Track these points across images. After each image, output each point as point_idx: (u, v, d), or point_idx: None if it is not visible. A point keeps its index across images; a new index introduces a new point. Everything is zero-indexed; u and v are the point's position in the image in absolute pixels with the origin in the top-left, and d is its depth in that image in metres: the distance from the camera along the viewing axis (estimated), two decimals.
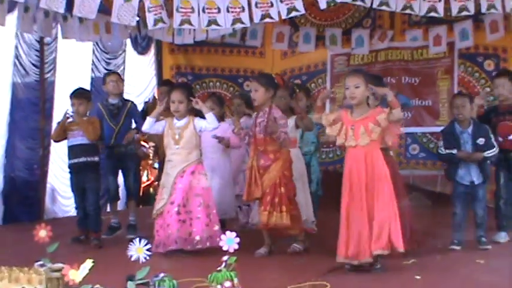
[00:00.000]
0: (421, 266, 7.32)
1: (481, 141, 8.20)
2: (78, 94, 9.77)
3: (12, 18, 10.33)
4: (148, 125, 8.85)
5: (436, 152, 8.99)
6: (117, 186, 10.67)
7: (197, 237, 8.39)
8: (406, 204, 8.18)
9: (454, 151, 8.24)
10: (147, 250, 6.24)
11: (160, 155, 10.88)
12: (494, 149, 8.17)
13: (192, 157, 8.66)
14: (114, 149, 10.32)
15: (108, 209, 11.22)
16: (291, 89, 9.31)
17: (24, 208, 11.55)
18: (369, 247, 7.04)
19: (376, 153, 7.22)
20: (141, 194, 12.01)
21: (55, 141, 10.11)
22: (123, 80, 10.96)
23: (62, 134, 9.68)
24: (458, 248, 8.20)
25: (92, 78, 12.95)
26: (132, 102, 10.79)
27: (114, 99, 10.44)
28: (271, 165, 8.32)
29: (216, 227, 8.56)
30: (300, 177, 8.94)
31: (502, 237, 8.65)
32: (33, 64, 12.08)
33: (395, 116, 7.10)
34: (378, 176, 7.17)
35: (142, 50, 13.53)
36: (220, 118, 9.77)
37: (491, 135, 8.25)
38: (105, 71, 12.76)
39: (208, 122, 8.55)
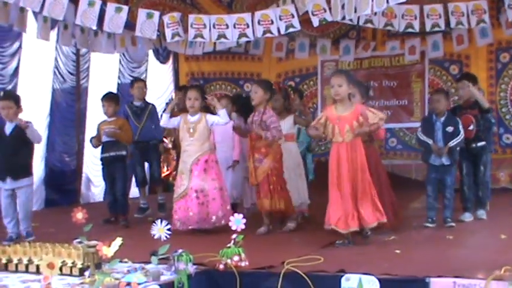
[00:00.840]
0: (400, 242, 7.37)
1: (449, 129, 8.28)
2: (108, 97, 9.89)
3: (53, 34, 10.38)
4: (165, 120, 8.94)
5: (415, 136, 9.06)
6: (144, 174, 10.83)
7: (213, 217, 8.48)
8: (388, 189, 8.29)
9: (430, 141, 8.30)
10: (168, 230, 6.30)
11: (178, 148, 10.90)
12: (460, 135, 8.23)
13: (205, 147, 8.71)
14: (139, 143, 10.42)
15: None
16: (285, 92, 9.30)
17: (63, 194, 11.58)
18: (352, 220, 7.19)
19: (359, 147, 7.30)
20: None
21: (96, 147, 10.11)
22: (147, 86, 11.01)
23: (99, 142, 9.78)
24: (431, 225, 8.24)
25: (119, 84, 13.00)
26: (153, 104, 10.90)
27: (138, 102, 10.63)
28: (263, 159, 8.40)
29: (229, 207, 8.71)
30: (297, 167, 9.02)
31: (467, 217, 8.70)
32: (70, 72, 12.28)
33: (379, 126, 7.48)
34: (360, 166, 7.27)
35: (163, 59, 13.52)
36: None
37: (460, 126, 8.30)
38: (130, 78, 12.82)
39: (221, 117, 8.60)
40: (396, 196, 8.43)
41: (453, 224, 8.21)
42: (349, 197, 7.24)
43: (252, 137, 8.52)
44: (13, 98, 8.69)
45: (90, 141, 10.12)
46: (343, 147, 7.28)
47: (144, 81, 11.18)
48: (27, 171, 8.61)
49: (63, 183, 11.89)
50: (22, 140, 8.50)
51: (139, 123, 10.45)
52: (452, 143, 8.19)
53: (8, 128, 8.54)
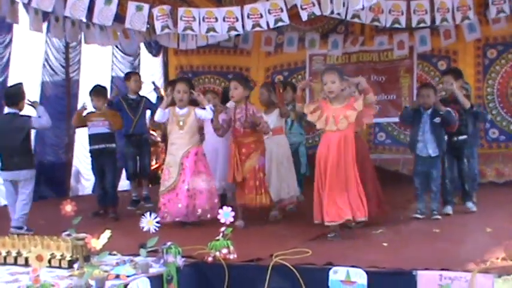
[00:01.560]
0: (388, 235, 7.41)
1: (437, 119, 8.37)
2: (97, 91, 9.85)
3: (43, 27, 10.36)
4: (160, 115, 8.80)
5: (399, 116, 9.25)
6: (136, 168, 10.75)
7: (199, 210, 8.47)
8: (374, 182, 8.31)
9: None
10: (157, 223, 6.30)
11: (167, 141, 10.91)
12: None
13: (194, 140, 8.74)
14: (132, 136, 10.45)
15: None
16: (271, 86, 9.32)
17: (52, 187, 11.56)
18: (343, 212, 7.20)
19: (350, 136, 7.32)
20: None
21: (76, 127, 10.19)
22: (141, 80, 11.01)
23: (81, 121, 9.78)
24: (421, 216, 8.31)
25: (112, 77, 12.98)
26: (146, 97, 10.91)
27: (133, 95, 10.64)
28: (252, 153, 8.41)
29: (216, 200, 8.67)
30: (286, 160, 9.04)
31: (449, 210, 8.71)
32: (60, 65, 12.19)
33: (369, 100, 7.35)
34: (351, 157, 7.28)
35: (156, 52, 13.53)
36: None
37: (452, 113, 8.42)
38: (124, 71, 12.87)
39: (208, 113, 8.57)
40: (384, 189, 8.46)
41: (439, 217, 8.26)
42: (334, 189, 7.23)
43: (238, 133, 8.49)
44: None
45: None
46: (336, 136, 7.29)
47: (139, 74, 11.21)
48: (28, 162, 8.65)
49: (53, 176, 11.86)
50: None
51: (135, 116, 10.44)
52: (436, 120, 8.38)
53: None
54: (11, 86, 9.17)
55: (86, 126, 9.78)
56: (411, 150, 8.70)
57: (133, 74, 11.18)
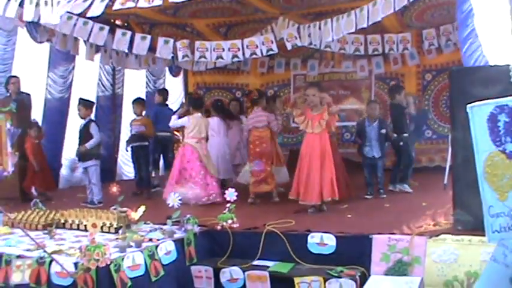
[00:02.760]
0: (351, 209, 7.44)
1: (383, 131, 8.43)
2: (137, 101, 9.98)
3: (97, 56, 10.54)
4: (173, 122, 8.87)
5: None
6: (159, 160, 10.83)
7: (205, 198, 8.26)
8: (342, 170, 8.38)
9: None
10: (179, 200, 6.39)
11: None
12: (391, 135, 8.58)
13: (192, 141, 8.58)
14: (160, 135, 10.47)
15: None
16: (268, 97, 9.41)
17: (104, 173, 11.64)
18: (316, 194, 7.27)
19: (324, 137, 7.40)
20: None
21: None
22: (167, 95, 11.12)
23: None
24: (370, 197, 8.35)
25: (146, 92, 13.02)
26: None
27: (163, 105, 10.74)
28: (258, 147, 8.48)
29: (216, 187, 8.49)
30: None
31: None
32: (109, 83, 12.30)
33: (332, 110, 7.43)
34: (327, 152, 7.37)
35: (174, 73, 13.56)
36: None
37: (387, 126, 8.62)
38: (154, 88, 13.00)
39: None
40: (349, 175, 8.55)
41: (384, 196, 8.32)
42: (315, 176, 7.30)
43: (254, 132, 8.56)
44: (82, 103, 9.03)
45: (127, 142, 10.23)
46: (316, 137, 7.37)
47: (165, 91, 11.28)
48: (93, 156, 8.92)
49: (103, 165, 11.96)
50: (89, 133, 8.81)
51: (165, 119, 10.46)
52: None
53: (82, 124, 8.93)
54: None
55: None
56: (359, 152, 8.77)
57: (160, 90, 11.39)
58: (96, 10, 7.41)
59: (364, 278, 5.40)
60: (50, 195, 9.34)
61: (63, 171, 11.58)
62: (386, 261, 5.49)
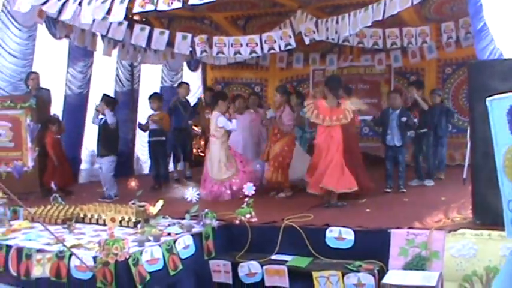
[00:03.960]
0: (370, 203, 7.43)
1: (404, 119, 8.32)
2: (154, 96, 9.99)
3: (114, 52, 10.55)
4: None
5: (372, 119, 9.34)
6: (181, 154, 10.83)
7: (234, 187, 8.38)
8: (361, 164, 8.33)
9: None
10: (197, 195, 6.41)
11: (206, 133, 10.97)
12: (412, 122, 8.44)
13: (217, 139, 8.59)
14: (182, 129, 10.55)
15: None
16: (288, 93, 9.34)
17: (122, 168, 11.70)
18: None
19: (334, 129, 7.37)
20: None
21: (144, 131, 10.33)
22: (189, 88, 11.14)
23: (147, 129, 9.94)
24: (390, 190, 8.32)
25: (161, 87, 13.04)
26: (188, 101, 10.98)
27: (183, 99, 10.75)
28: (277, 142, 8.47)
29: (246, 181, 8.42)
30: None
31: (414, 182, 8.88)
32: (126, 79, 12.31)
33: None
34: (337, 145, 7.35)
35: (193, 68, 13.57)
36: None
37: (412, 116, 8.47)
38: (171, 83, 13.04)
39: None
40: (368, 169, 8.48)
41: (404, 190, 8.26)
42: (321, 167, 7.33)
43: (274, 128, 8.62)
44: (105, 99, 9.12)
45: (139, 126, 10.34)
46: (328, 129, 7.37)
47: (188, 84, 11.26)
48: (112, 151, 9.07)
49: (121, 160, 12.01)
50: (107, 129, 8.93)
51: (186, 114, 10.57)
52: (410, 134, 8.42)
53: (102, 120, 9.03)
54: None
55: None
56: (382, 141, 8.70)
57: (184, 83, 11.26)
58: (118, 15, 7.39)
59: (382, 273, 5.38)
60: (69, 190, 9.40)
61: (83, 166, 11.66)
62: (404, 256, 5.48)
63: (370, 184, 8.19)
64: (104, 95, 9.27)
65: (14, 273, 5.75)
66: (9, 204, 7.10)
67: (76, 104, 11.05)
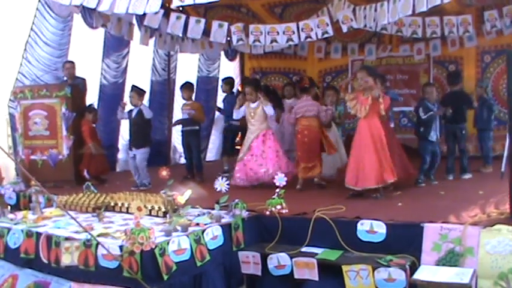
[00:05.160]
0: (403, 196, 7.26)
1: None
2: (185, 86, 9.97)
3: (151, 41, 10.45)
4: (236, 114, 9.01)
5: (417, 119, 8.83)
6: (230, 146, 10.82)
7: (270, 170, 8.33)
8: (402, 155, 8.16)
9: (433, 111, 8.20)
10: (227, 185, 6.32)
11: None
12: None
13: (262, 126, 8.67)
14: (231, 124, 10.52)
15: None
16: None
17: (158, 158, 11.73)
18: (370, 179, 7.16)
19: (374, 123, 7.28)
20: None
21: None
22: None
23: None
24: (423, 185, 8.09)
25: (198, 77, 13.02)
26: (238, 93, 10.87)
27: (228, 93, 10.86)
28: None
29: (285, 161, 8.61)
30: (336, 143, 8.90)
31: (450, 177, 8.68)
32: (162, 69, 12.34)
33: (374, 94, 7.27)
34: (378, 137, 7.22)
35: (231, 57, 13.52)
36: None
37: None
38: (207, 72, 13.03)
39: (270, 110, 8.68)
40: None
41: (436, 182, 8.12)
42: (364, 162, 7.20)
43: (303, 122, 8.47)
44: (136, 90, 9.10)
45: (176, 121, 10.28)
46: (365, 123, 7.28)
47: (232, 78, 11.30)
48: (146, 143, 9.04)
49: (157, 150, 12.04)
50: (142, 120, 8.89)
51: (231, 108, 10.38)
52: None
53: (134, 112, 8.98)
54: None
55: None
56: (423, 137, 8.40)
57: (228, 78, 11.38)
58: (153, 8, 7.38)
59: (414, 268, 5.20)
60: (104, 178, 9.44)
61: (120, 155, 11.71)
62: (437, 251, 5.28)
63: (413, 171, 8.09)
64: (134, 86, 9.24)
65: (45, 261, 5.76)
66: (43, 192, 7.12)
67: (112, 94, 11.12)
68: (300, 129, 8.47)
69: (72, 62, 9.64)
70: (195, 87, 10.71)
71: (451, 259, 5.17)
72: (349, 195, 7.25)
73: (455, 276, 4.77)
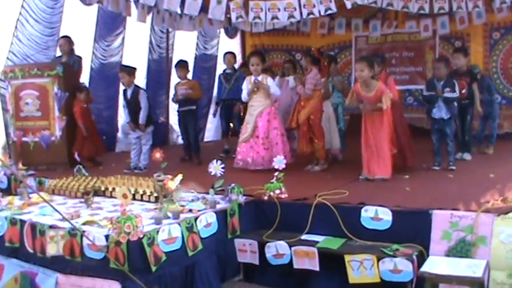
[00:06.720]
0: (411, 180, 6.84)
1: (447, 90, 7.62)
2: (180, 65, 9.57)
3: (148, 18, 10.09)
4: (244, 96, 8.47)
5: (421, 95, 8.48)
6: (228, 126, 10.42)
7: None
8: (408, 137, 7.81)
9: (433, 92, 7.72)
10: (222, 168, 5.96)
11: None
12: (455, 94, 7.62)
13: (267, 103, 8.22)
14: (225, 101, 10.08)
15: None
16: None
17: (157, 139, 11.39)
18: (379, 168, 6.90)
19: (378, 117, 6.95)
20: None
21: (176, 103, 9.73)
22: (235, 58, 10.61)
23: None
24: (437, 168, 7.64)
25: (195, 55, 12.67)
26: (240, 71, 10.42)
27: (228, 70, 10.26)
28: (303, 109, 8.00)
29: (288, 148, 8.23)
30: (327, 119, 8.52)
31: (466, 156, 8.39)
32: (159, 46, 11.96)
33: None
34: (379, 131, 6.94)
35: (231, 35, 13.17)
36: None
37: (456, 87, 7.68)
38: (204, 49, 12.64)
39: (276, 91, 8.33)
40: (412, 141, 7.89)
41: (454, 168, 7.56)
42: (371, 154, 6.92)
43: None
44: (125, 69, 8.71)
45: (172, 99, 9.86)
46: (368, 117, 7.00)
47: (232, 53, 10.68)
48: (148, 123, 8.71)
49: (155, 130, 11.75)
50: (138, 102, 8.53)
51: (228, 86, 10.00)
52: (447, 94, 7.60)
53: (129, 93, 8.61)
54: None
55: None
56: (427, 114, 8.04)
57: (227, 53, 10.68)
58: None
59: (422, 258, 4.84)
60: (99, 161, 9.08)
61: (120, 134, 11.40)
62: (447, 240, 4.89)
63: (412, 161, 7.70)
64: (122, 65, 8.94)
65: (30, 250, 5.40)
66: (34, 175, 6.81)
67: (108, 73, 10.77)
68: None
69: (66, 37, 9.20)
70: (192, 65, 10.33)
71: (462, 249, 4.79)
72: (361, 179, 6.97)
73: (467, 268, 4.38)
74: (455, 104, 7.75)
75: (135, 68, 8.80)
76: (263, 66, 8.57)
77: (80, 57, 9.39)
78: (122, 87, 9.14)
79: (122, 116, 10.97)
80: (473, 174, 7.22)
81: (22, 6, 9.18)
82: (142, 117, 8.48)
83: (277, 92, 8.36)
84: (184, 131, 9.49)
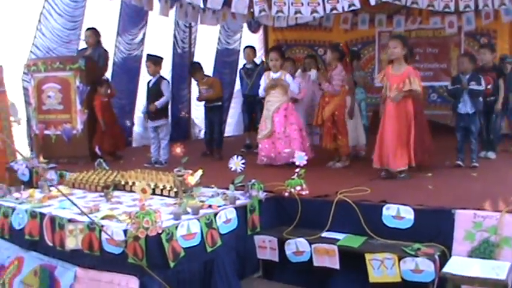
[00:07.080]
0: (434, 178, 6.70)
1: (472, 84, 7.49)
2: (195, 68, 9.46)
3: (171, 12, 10.09)
4: (261, 92, 8.41)
5: (446, 91, 8.31)
6: (250, 121, 10.33)
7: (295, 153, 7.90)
8: (428, 133, 7.63)
9: (458, 86, 7.60)
10: (242, 164, 5.90)
11: None
12: (480, 87, 7.50)
13: (284, 99, 8.13)
14: (248, 97, 10.05)
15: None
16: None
17: (178, 133, 11.39)
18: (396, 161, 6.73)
19: (403, 104, 6.77)
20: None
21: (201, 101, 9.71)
22: (255, 52, 10.56)
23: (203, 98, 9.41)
24: (461, 163, 7.52)
25: (217, 50, 12.66)
26: (262, 65, 10.34)
27: (249, 64, 10.27)
28: (327, 105, 7.90)
29: (308, 144, 8.16)
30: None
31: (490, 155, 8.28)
32: (182, 41, 11.96)
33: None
34: (404, 120, 6.77)
35: (254, 29, 13.12)
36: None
37: (482, 81, 7.56)
38: (227, 43, 12.61)
39: (295, 90, 8.26)
40: (434, 139, 7.73)
41: (477, 165, 7.43)
42: (389, 144, 6.73)
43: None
44: (151, 59, 8.69)
45: (196, 98, 9.78)
46: (393, 105, 6.78)
47: (252, 48, 10.63)
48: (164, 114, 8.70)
49: (179, 125, 11.72)
50: (160, 91, 8.51)
51: (250, 81, 9.99)
52: (471, 86, 7.47)
53: (152, 82, 8.61)
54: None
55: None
56: (453, 109, 7.91)
57: (248, 47, 10.64)
58: None
59: (444, 258, 4.72)
60: (119, 154, 9.07)
61: (136, 128, 11.38)
62: (470, 241, 4.78)
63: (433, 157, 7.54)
64: (148, 55, 8.90)
65: (50, 243, 5.39)
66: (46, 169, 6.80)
67: (129, 67, 10.81)
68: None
69: (92, 29, 9.13)
70: (214, 59, 10.29)
71: (485, 250, 4.68)
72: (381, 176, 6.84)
73: (491, 270, 4.26)
74: (481, 99, 7.60)
75: (161, 58, 8.79)
76: (282, 62, 8.48)
77: (106, 51, 9.31)
78: (141, 81, 9.10)
79: (139, 109, 11.03)
80: (497, 172, 7.07)
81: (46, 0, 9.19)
82: (160, 102, 8.46)
83: (296, 90, 8.27)
84: (209, 126, 9.46)
